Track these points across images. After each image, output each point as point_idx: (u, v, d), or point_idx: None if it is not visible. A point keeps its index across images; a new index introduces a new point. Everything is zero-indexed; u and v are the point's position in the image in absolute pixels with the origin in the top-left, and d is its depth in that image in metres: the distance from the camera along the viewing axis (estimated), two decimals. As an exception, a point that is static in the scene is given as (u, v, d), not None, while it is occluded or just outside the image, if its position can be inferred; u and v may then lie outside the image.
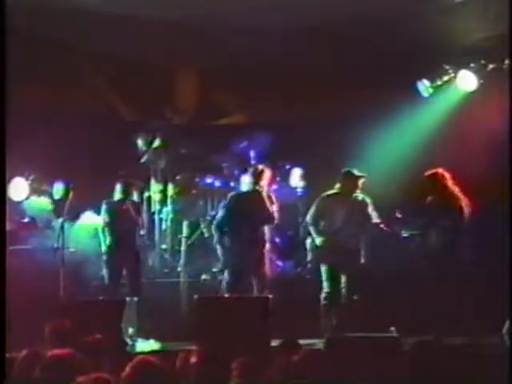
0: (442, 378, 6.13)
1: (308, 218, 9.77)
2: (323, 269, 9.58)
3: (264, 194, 9.66)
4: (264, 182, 9.70)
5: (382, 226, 9.48)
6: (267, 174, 9.77)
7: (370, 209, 9.58)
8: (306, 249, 9.90)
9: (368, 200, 9.62)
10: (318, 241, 9.59)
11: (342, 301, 9.51)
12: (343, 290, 9.51)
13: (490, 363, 6.96)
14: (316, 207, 9.71)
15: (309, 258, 9.82)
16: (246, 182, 9.89)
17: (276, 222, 9.76)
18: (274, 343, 8.58)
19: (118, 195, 9.97)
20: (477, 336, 8.83)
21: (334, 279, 9.54)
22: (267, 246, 9.76)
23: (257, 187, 9.63)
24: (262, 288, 9.53)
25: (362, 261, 9.55)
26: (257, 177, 9.69)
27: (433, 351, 6.49)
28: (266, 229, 9.75)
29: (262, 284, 9.57)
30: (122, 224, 9.84)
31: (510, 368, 6.45)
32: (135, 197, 10.16)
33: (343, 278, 9.53)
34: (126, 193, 9.94)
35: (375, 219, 9.57)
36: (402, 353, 7.54)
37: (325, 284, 9.57)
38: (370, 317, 9.26)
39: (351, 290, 9.49)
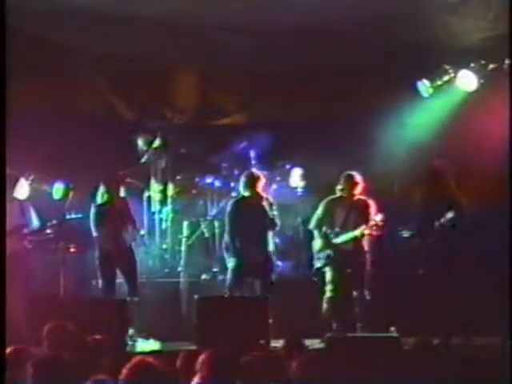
0: (441, 378, 6.14)
1: (312, 222, 9.88)
2: (327, 272, 9.65)
3: (264, 199, 9.74)
4: (260, 186, 9.77)
5: (366, 230, 9.51)
6: (262, 178, 9.86)
7: (372, 211, 9.61)
8: (310, 250, 9.95)
9: (370, 203, 9.66)
10: (321, 244, 9.70)
11: (345, 302, 9.54)
12: (346, 292, 9.55)
13: (489, 363, 6.97)
14: (319, 211, 9.84)
15: (314, 261, 9.85)
16: (243, 188, 9.88)
17: (277, 227, 9.87)
18: (275, 343, 8.62)
19: (100, 199, 9.81)
20: (477, 336, 8.84)
21: (336, 281, 9.59)
22: (271, 250, 9.81)
23: (255, 192, 9.70)
24: (264, 291, 9.56)
25: (366, 262, 9.59)
26: (253, 182, 9.74)
27: (432, 351, 6.50)
28: (270, 234, 9.81)
29: (265, 287, 9.61)
30: (110, 227, 9.70)
31: (511, 368, 6.46)
32: (122, 195, 9.98)
33: (346, 280, 9.56)
34: (108, 195, 9.76)
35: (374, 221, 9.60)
36: (402, 353, 7.56)
37: (328, 287, 9.60)
38: (371, 317, 9.29)
39: (355, 290, 9.54)
